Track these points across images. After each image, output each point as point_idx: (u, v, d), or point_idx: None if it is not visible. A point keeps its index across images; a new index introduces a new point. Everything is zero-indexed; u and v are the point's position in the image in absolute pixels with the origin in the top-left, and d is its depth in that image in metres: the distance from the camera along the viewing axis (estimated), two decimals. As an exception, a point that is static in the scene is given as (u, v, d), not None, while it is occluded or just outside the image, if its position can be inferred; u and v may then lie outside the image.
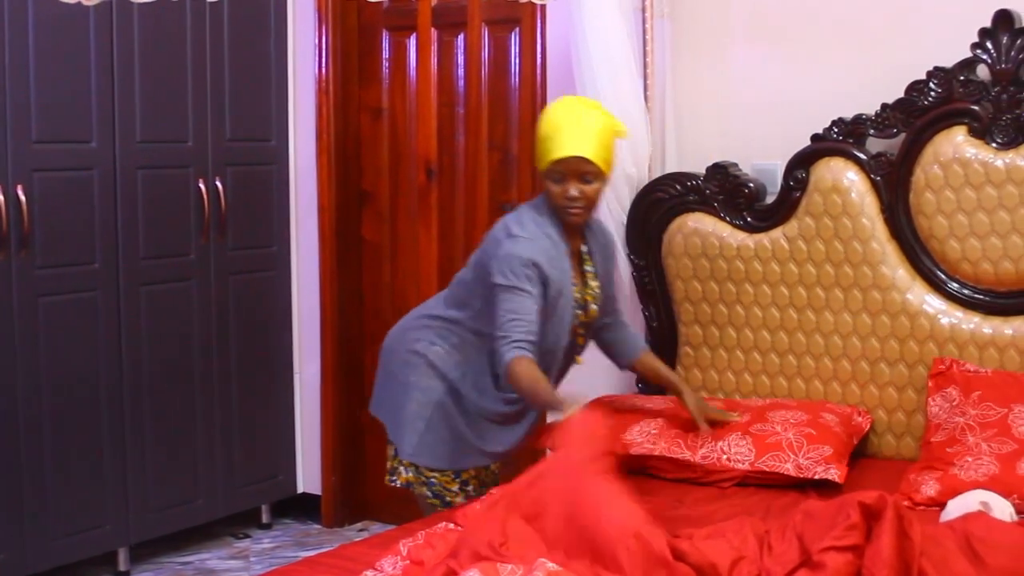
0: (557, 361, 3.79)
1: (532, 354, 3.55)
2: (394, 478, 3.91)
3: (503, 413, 3.82)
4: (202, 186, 5.17)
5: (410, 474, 3.86)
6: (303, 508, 5.81)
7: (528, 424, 3.90)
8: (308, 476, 5.79)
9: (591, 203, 3.68)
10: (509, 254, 3.59)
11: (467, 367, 3.81)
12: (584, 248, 3.83)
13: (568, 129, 3.59)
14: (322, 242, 5.63)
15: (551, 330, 3.68)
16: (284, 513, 5.82)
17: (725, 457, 3.77)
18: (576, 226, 3.75)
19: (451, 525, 3.31)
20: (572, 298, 3.72)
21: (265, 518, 5.68)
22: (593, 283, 3.83)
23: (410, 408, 3.84)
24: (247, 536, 5.58)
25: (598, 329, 3.99)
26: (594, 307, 3.84)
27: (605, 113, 3.69)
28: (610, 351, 4.11)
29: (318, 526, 5.74)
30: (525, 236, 3.62)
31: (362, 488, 5.79)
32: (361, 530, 5.65)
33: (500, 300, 3.57)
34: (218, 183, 5.23)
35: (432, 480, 3.84)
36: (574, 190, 3.61)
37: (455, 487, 3.85)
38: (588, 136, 3.59)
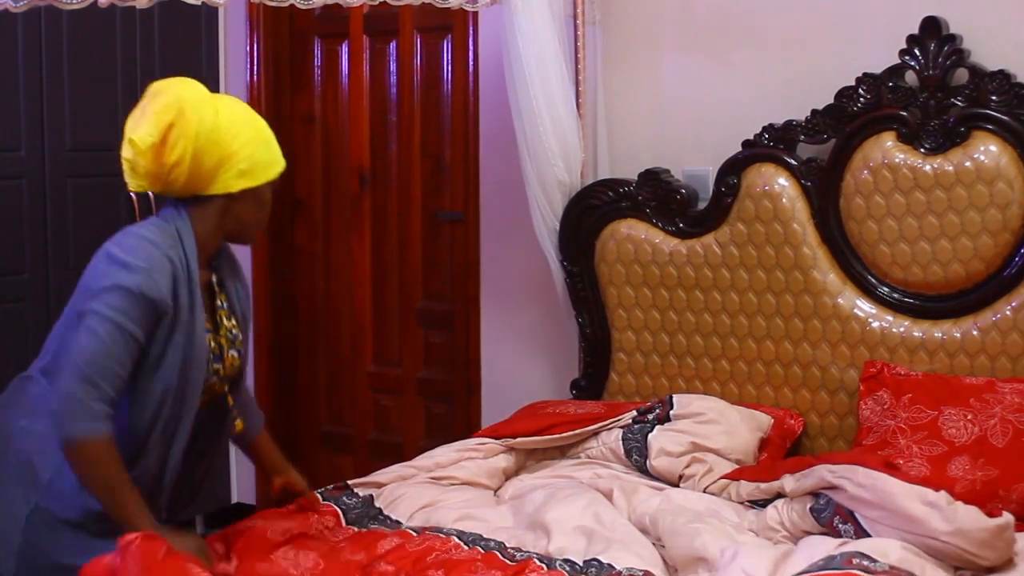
0: (183, 435, 2.95)
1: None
2: None
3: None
4: (133, 196, 5.13)
5: None
6: (238, 518, 5.74)
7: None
8: (243, 486, 5.75)
9: None
10: (116, 285, 2.77)
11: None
12: (214, 278, 3.10)
13: (271, 138, 3.03)
14: (255, 250, 5.59)
15: (187, 392, 2.91)
16: (219, 523, 5.77)
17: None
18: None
19: None
20: (207, 347, 2.96)
21: (200, 528, 5.64)
22: (228, 323, 3.11)
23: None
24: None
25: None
26: (233, 353, 3.10)
27: None
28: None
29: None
30: (141, 264, 2.80)
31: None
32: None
33: (93, 330, 2.75)
34: (149, 192, 5.15)
35: None
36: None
37: None
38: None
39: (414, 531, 3.27)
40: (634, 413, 3.95)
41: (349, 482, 3.71)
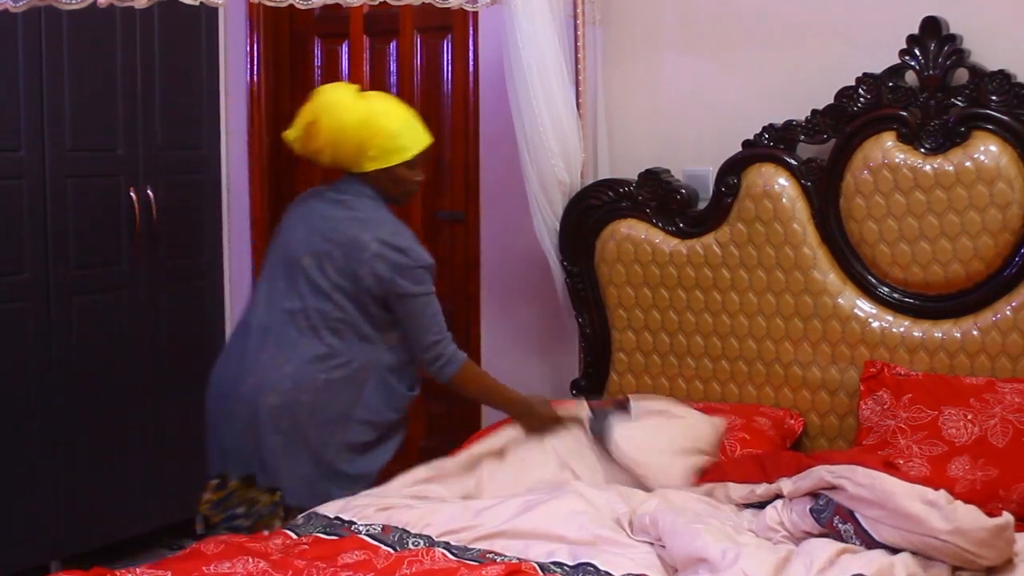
0: None
1: None
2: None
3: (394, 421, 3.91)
4: (133, 195, 5.12)
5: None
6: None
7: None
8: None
9: None
10: (413, 264, 3.77)
11: (360, 394, 3.80)
12: None
13: (415, 119, 3.87)
14: (255, 252, 5.59)
15: None
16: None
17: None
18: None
19: None
20: None
21: (199, 528, 5.63)
22: None
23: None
24: (181, 547, 5.52)
25: None
26: None
27: None
28: None
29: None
30: (409, 243, 3.80)
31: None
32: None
33: (422, 307, 3.77)
34: (149, 192, 5.18)
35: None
36: (420, 174, 3.94)
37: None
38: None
39: (379, 541, 3.21)
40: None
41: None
